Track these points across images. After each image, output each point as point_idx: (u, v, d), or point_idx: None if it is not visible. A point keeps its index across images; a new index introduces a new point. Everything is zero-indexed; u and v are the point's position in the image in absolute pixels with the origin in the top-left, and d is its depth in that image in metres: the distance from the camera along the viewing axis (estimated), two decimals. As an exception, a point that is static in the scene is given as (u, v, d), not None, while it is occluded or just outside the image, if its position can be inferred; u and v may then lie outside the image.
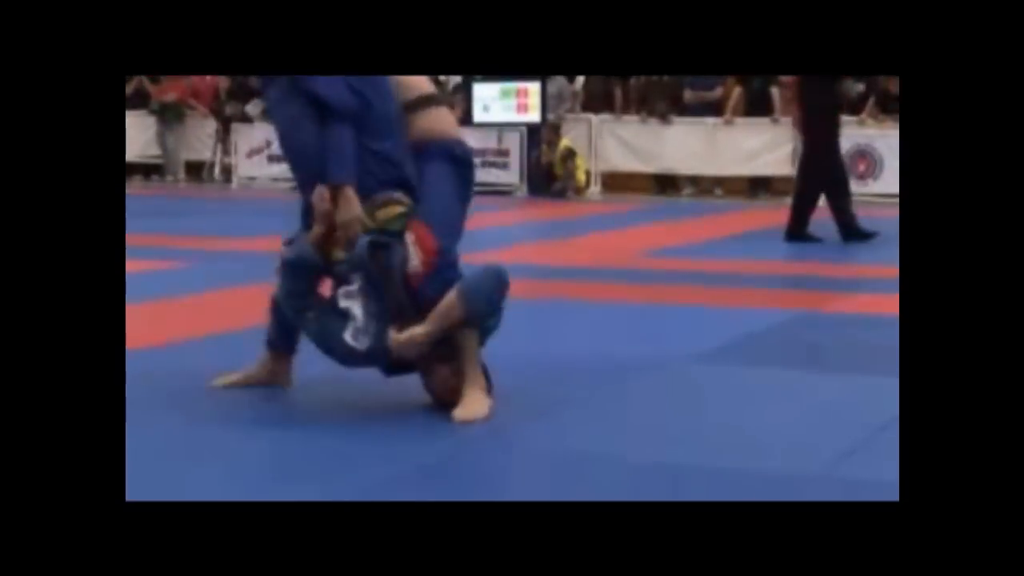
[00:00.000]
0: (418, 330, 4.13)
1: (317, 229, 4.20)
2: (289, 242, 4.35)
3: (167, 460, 3.79)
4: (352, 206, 4.17)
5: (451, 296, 4.12)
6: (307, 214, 4.33)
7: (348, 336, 4.14)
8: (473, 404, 4.19)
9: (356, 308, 4.14)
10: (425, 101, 4.42)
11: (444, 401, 4.24)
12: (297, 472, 3.71)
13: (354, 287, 4.15)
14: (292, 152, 4.38)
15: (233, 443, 4.02)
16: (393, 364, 4.29)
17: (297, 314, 4.27)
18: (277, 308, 4.44)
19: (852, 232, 10.05)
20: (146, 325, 6.06)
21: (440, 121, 4.43)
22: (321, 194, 4.16)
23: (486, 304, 4.19)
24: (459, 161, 4.40)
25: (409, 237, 4.19)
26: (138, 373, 4.84)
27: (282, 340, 4.54)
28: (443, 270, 4.20)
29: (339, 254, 4.20)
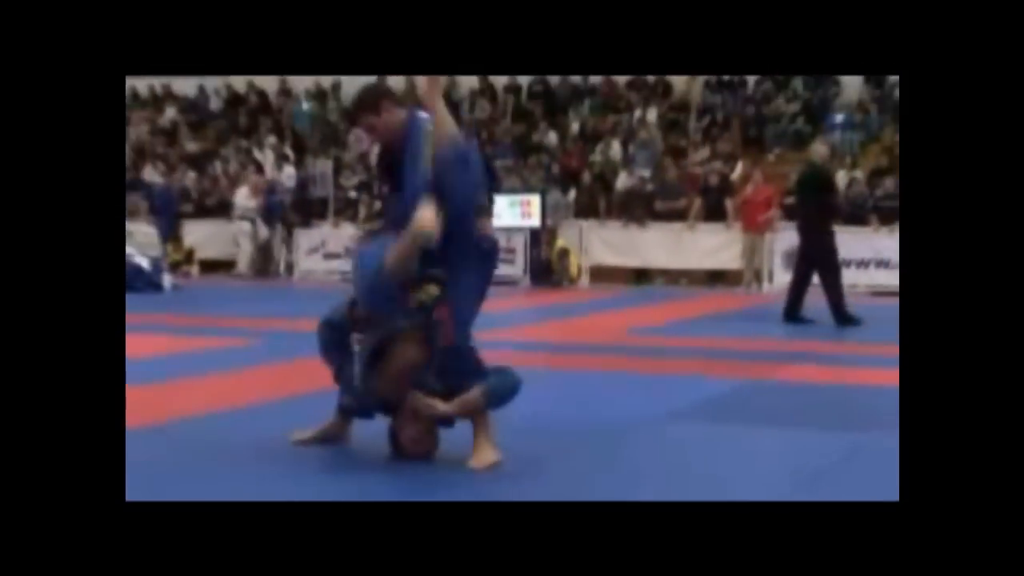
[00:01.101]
0: (441, 406, 4.16)
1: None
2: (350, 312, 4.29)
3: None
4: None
5: (477, 392, 4.16)
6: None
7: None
8: (485, 454, 4.19)
9: (355, 366, 4.18)
10: (479, 210, 4.44)
11: (408, 454, 4.24)
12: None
13: (361, 349, 4.15)
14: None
15: (286, 483, 3.98)
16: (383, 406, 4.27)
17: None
18: (340, 379, 4.40)
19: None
20: (222, 391, 6.05)
21: (482, 223, 4.41)
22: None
23: (501, 404, 4.27)
24: (484, 255, 4.39)
25: (440, 315, 4.15)
26: (217, 434, 4.82)
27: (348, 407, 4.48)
28: (455, 349, 4.18)
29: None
